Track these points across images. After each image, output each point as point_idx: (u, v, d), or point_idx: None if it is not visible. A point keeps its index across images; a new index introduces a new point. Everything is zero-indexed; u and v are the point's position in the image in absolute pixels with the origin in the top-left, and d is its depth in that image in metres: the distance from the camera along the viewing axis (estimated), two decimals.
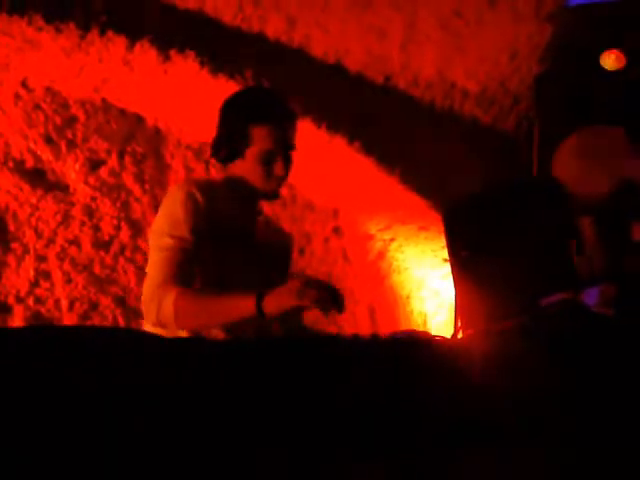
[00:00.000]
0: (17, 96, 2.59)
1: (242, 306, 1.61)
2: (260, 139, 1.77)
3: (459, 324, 2.35)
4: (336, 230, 3.37)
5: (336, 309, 1.55)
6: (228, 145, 1.80)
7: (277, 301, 1.57)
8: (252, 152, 1.78)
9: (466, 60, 3.38)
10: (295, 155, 1.83)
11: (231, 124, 1.79)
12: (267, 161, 1.78)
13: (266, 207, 1.97)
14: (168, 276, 1.65)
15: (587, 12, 3.37)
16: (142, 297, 1.69)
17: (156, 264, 1.69)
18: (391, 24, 3.11)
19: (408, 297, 3.61)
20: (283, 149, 1.79)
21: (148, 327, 1.68)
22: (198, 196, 1.72)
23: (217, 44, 2.75)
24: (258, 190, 1.82)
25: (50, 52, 2.47)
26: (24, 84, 2.61)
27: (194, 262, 1.70)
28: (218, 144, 1.82)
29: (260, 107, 1.80)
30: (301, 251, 3.20)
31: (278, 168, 1.79)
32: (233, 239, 1.78)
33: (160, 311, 1.62)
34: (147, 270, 1.73)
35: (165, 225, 1.72)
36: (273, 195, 1.85)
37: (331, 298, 1.54)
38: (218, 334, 1.70)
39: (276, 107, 1.81)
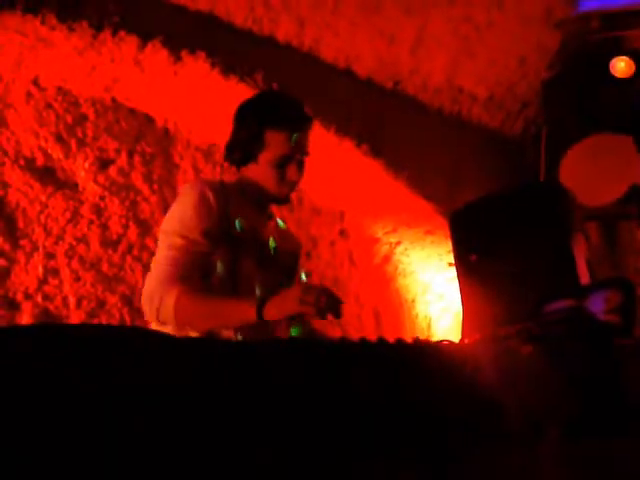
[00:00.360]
0: (29, 94, 2.61)
1: (243, 311, 1.60)
2: (275, 144, 1.77)
3: (465, 328, 2.36)
4: (342, 233, 3.38)
5: (334, 315, 1.54)
6: (242, 149, 1.79)
7: (278, 307, 1.56)
8: (266, 157, 1.78)
9: (475, 65, 3.39)
10: (307, 159, 1.84)
11: (246, 128, 1.79)
12: (280, 166, 1.78)
13: (274, 210, 1.98)
14: (173, 275, 1.64)
15: (597, 18, 3.38)
16: (143, 293, 1.67)
17: (162, 262, 1.68)
18: (401, 29, 3.12)
19: (413, 301, 3.62)
20: (297, 154, 1.79)
21: (154, 325, 1.69)
22: (211, 197, 1.72)
23: (228, 46, 2.76)
24: (270, 194, 1.82)
25: (62, 51, 2.49)
26: (36, 83, 2.62)
27: (202, 265, 1.69)
28: (232, 147, 1.82)
29: (276, 112, 1.79)
30: (308, 254, 3.21)
31: (291, 173, 1.79)
32: (245, 242, 1.78)
33: (160, 309, 1.61)
34: (151, 266, 1.72)
35: (176, 224, 1.71)
36: (284, 199, 1.85)
37: (331, 305, 1.53)
38: (229, 335, 1.71)
39: (292, 113, 1.80)
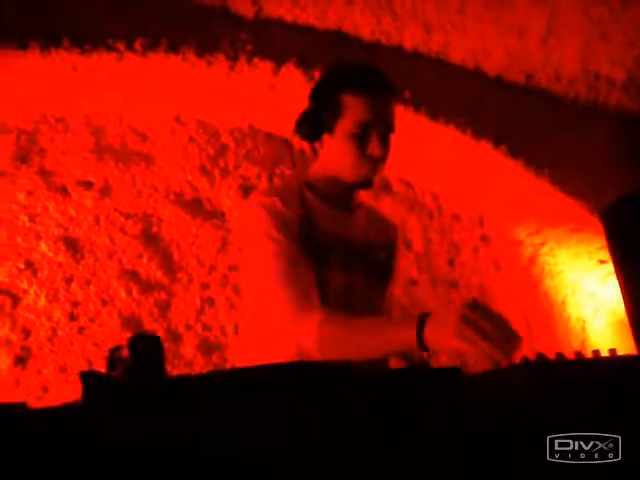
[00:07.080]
0: (172, 131, 2.68)
1: (400, 338, 1.27)
2: (353, 109, 1.52)
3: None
4: (484, 238, 3.26)
5: (504, 353, 1.14)
6: (314, 118, 1.58)
7: (436, 337, 1.22)
8: (343, 125, 1.53)
9: (610, 48, 3.19)
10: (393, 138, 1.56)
11: (319, 95, 1.59)
12: (360, 137, 1.53)
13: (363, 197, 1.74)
14: (300, 290, 1.40)
15: None
16: (277, 321, 1.44)
17: (275, 274, 1.42)
18: (530, 20, 2.99)
19: (563, 302, 3.45)
20: (379, 125, 1.53)
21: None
22: (279, 204, 1.51)
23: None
24: (349, 175, 1.56)
25: (201, 85, 2.54)
26: (178, 119, 2.69)
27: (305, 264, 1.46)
28: (303, 119, 1.60)
29: (353, 74, 1.56)
30: (451, 262, 3.12)
31: (373, 146, 1.52)
32: (324, 245, 1.55)
33: (301, 339, 1.38)
34: (263, 286, 1.47)
35: (263, 227, 1.48)
36: (366, 182, 1.57)
37: (501, 341, 1.15)
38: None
39: (371, 76, 1.57)
